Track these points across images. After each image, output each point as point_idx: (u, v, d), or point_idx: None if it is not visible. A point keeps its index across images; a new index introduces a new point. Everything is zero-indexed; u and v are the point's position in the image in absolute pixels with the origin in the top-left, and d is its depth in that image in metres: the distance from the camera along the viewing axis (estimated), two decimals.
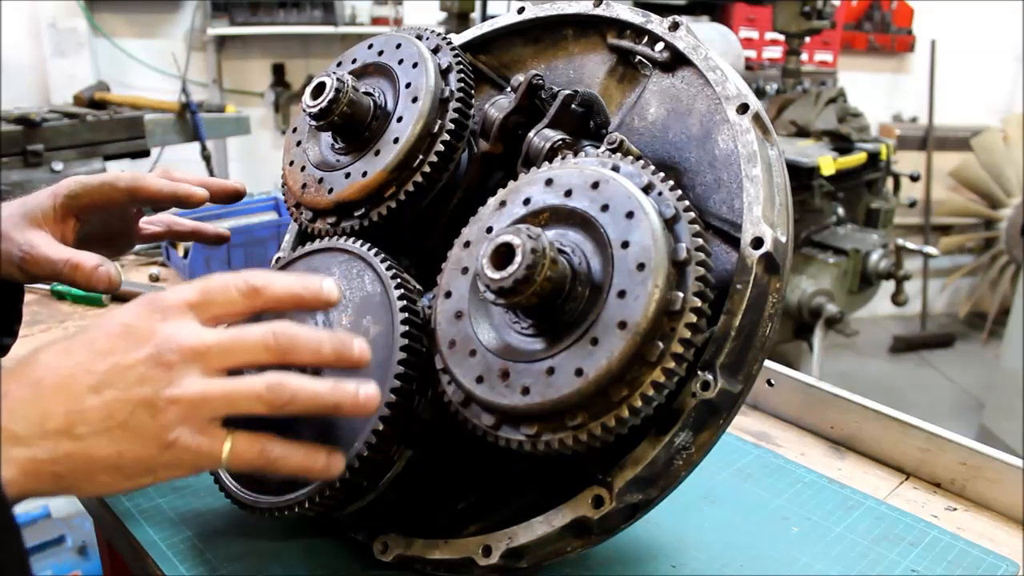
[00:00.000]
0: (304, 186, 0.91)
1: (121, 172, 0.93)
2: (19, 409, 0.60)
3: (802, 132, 3.69)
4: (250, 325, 0.67)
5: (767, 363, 1.11)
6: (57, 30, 4.39)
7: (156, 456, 0.62)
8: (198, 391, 0.63)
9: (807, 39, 4.04)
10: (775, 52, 5.28)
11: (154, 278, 1.68)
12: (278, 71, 5.08)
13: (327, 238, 0.88)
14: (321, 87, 0.86)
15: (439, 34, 0.93)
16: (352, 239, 0.85)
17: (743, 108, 0.77)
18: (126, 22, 4.66)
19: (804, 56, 4.48)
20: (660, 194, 0.69)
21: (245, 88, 5.08)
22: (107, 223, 0.99)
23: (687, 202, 0.70)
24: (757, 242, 0.70)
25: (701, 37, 0.83)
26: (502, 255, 0.64)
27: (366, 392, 0.67)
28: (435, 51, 0.91)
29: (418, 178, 0.86)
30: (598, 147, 0.81)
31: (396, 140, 0.86)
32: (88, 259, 0.86)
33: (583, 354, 0.64)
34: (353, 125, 0.88)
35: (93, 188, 0.90)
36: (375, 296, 0.80)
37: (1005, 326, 4.42)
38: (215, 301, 0.67)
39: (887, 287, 3.82)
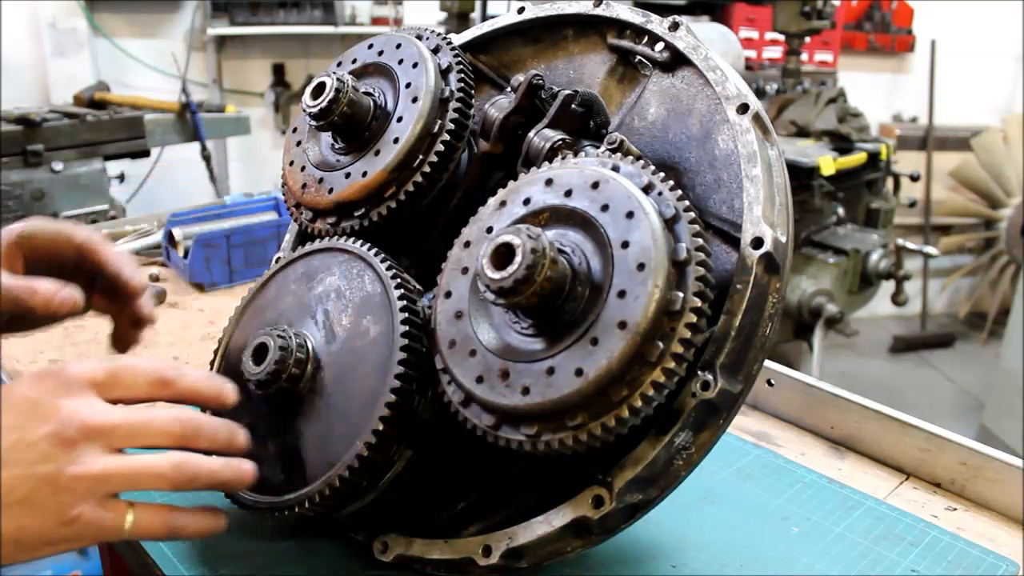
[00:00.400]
0: (304, 186, 0.91)
1: (84, 228, 0.86)
2: None
3: (802, 132, 3.69)
4: (157, 411, 0.69)
5: (767, 363, 1.11)
6: (57, 30, 4.39)
7: (56, 530, 0.63)
8: (100, 469, 0.64)
9: (807, 39, 4.04)
10: (775, 52, 5.28)
11: (154, 278, 1.68)
12: (278, 71, 5.08)
13: (327, 238, 0.88)
14: (321, 87, 0.86)
15: (439, 34, 0.93)
16: (352, 239, 0.85)
17: (743, 108, 0.77)
18: (126, 22, 4.65)
19: (804, 56, 4.48)
20: (660, 194, 0.69)
21: (245, 88, 5.07)
22: (54, 276, 0.85)
23: (687, 202, 0.70)
24: (757, 242, 0.70)
25: (701, 37, 0.83)
26: (502, 255, 0.64)
27: (246, 468, 0.72)
28: (435, 51, 0.91)
29: (418, 178, 0.86)
30: (598, 147, 0.81)
31: (396, 140, 0.86)
32: (47, 283, 0.79)
33: (583, 354, 0.64)
34: (353, 125, 0.88)
35: (48, 233, 0.85)
36: (375, 296, 0.80)
37: (1005, 326, 4.42)
38: (121, 384, 0.69)
39: (887, 287, 3.82)
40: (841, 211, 3.65)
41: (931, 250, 4.24)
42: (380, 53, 0.93)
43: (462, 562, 0.76)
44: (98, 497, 0.65)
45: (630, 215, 0.66)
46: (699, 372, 0.68)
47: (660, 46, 0.85)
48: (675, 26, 0.84)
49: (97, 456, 0.65)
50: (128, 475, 0.66)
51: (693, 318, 0.64)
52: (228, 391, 0.75)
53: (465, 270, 0.74)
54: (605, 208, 0.68)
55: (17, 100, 3.68)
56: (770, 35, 5.14)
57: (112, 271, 0.85)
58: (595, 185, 0.69)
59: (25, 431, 0.63)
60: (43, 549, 0.64)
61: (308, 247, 0.88)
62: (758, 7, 4.99)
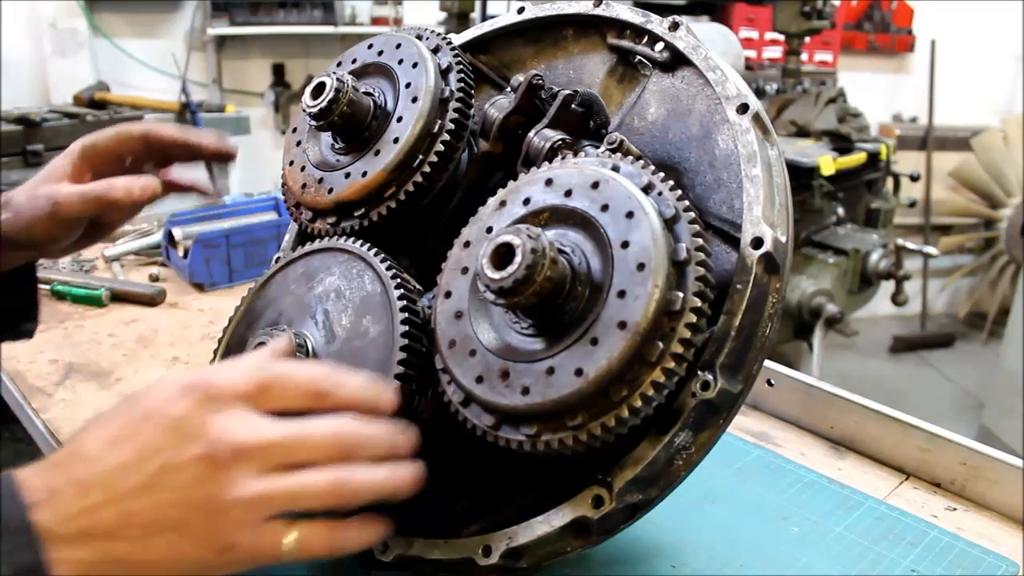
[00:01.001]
0: (304, 186, 0.91)
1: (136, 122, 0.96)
2: (67, 509, 0.57)
3: (802, 132, 3.69)
4: (313, 424, 0.64)
5: (767, 363, 1.11)
6: (57, 30, 4.39)
7: (213, 558, 0.59)
8: (258, 492, 0.60)
9: (807, 39, 4.04)
10: (775, 52, 5.28)
11: (154, 278, 1.68)
12: (278, 71, 5.09)
13: (327, 238, 0.88)
14: (321, 87, 0.86)
15: (439, 34, 0.93)
16: (352, 239, 0.85)
17: (743, 108, 0.77)
18: (126, 22, 4.65)
19: (804, 56, 4.48)
20: (660, 194, 0.69)
21: (245, 88, 5.08)
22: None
23: (687, 202, 0.70)
24: (757, 242, 0.70)
25: (701, 37, 0.83)
26: (502, 255, 0.64)
27: (410, 476, 0.66)
28: (435, 51, 0.91)
29: (418, 178, 0.86)
30: (598, 147, 0.81)
31: (396, 140, 0.86)
32: (122, 177, 0.88)
33: (583, 354, 0.64)
34: (353, 125, 0.88)
35: (109, 137, 0.92)
36: (375, 296, 0.80)
37: (1005, 326, 4.42)
38: (273, 395, 0.64)
39: (887, 287, 3.82)
40: (841, 211, 3.66)
41: (931, 250, 4.25)
42: (380, 53, 0.93)
43: (462, 562, 0.76)
44: (256, 522, 0.60)
45: (630, 215, 0.66)
46: (699, 372, 0.68)
47: (660, 46, 0.85)
48: (675, 26, 0.84)
49: (252, 478, 0.60)
50: (286, 496, 0.61)
51: (693, 318, 0.64)
52: (387, 399, 0.68)
53: (465, 270, 0.74)
54: (605, 208, 0.68)
55: (17, 100, 3.68)
56: (770, 35, 5.14)
57: (182, 143, 0.95)
58: (595, 185, 0.69)
59: (174, 452, 0.59)
60: None
61: (308, 247, 0.88)
62: (758, 7, 4.99)
